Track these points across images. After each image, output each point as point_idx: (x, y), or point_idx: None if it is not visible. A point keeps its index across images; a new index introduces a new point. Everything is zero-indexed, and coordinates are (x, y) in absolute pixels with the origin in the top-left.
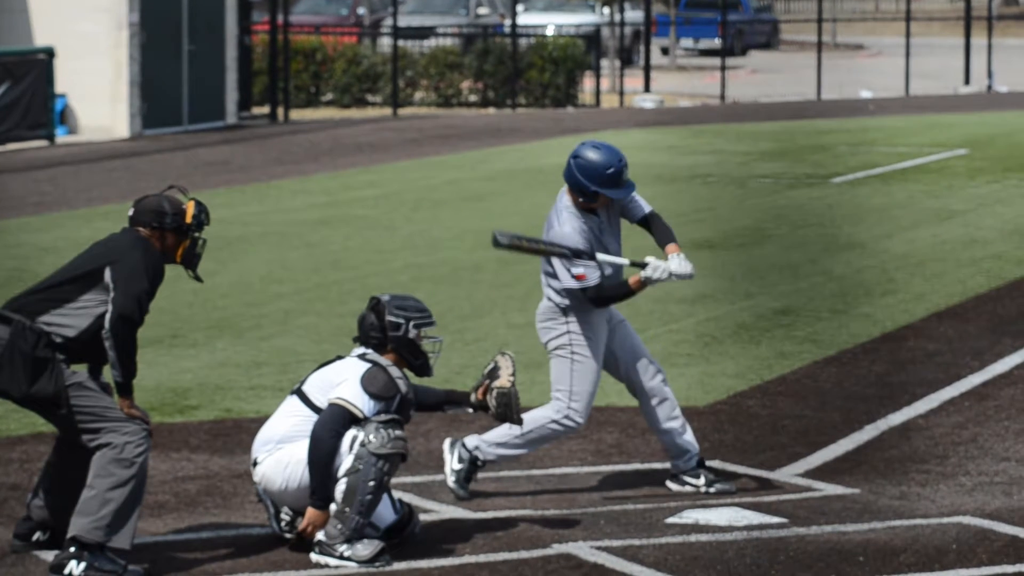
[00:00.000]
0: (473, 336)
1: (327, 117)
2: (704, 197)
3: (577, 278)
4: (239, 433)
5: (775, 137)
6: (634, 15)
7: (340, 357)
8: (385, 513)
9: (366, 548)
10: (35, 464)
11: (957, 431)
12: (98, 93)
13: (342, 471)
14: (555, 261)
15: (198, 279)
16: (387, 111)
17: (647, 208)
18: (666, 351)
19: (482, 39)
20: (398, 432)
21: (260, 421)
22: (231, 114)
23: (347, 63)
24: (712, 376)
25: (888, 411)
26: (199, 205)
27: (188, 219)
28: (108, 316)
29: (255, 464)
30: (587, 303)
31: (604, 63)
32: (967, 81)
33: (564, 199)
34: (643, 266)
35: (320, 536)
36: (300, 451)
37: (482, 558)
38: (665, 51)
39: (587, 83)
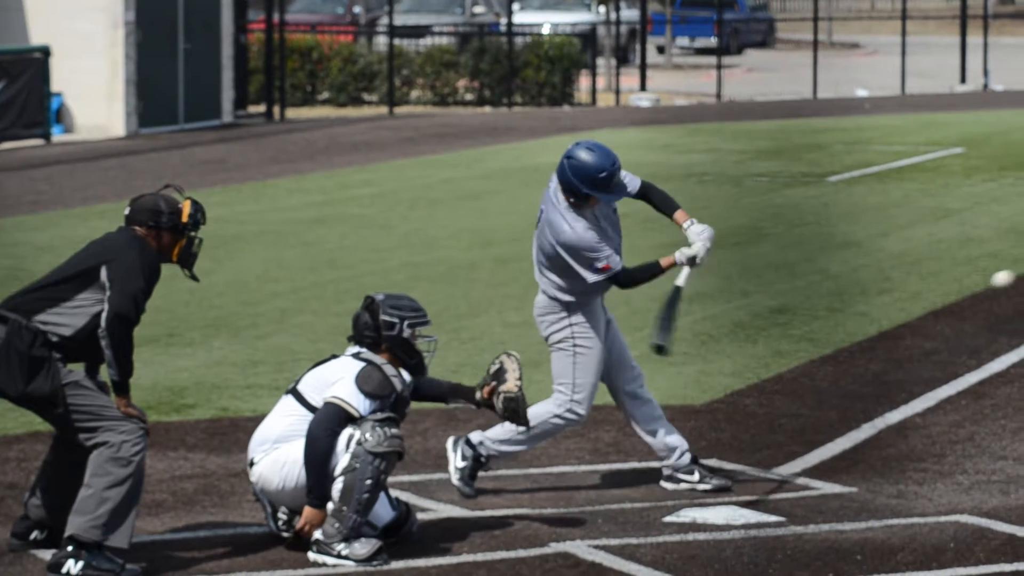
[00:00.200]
0: (469, 335)
1: (323, 116)
2: (700, 196)
3: (603, 269)
4: (236, 432)
5: (771, 136)
6: (630, 13)
7: (335, 356)
8: (382, 512)
9: (363, 547)
10: (32, 463)
11: (954, 430)
12: (94, 92)
13: (339, 470)
14: (574, 263)
15: (194, 278)
16: (383, 110)
17: (637, 181)
18: None
19: (478, 38)
20: (394, 430)
21: (257, 420)
22: (227, 113)
23: (343, 62)
24: (709, 375)
25: (885, 410)
26: (195, 204)
27: (184, 218)
28: (104, 315)
29: (252, 464)
30: (593, 294)
31: (600, 62)
32: (963, 80)
33: (560, 199)
34: (692, 261)
35: (317, 535)
36: (296, 451)
37: (480, 557)
38: (661, 50)
39: (583, 82)
